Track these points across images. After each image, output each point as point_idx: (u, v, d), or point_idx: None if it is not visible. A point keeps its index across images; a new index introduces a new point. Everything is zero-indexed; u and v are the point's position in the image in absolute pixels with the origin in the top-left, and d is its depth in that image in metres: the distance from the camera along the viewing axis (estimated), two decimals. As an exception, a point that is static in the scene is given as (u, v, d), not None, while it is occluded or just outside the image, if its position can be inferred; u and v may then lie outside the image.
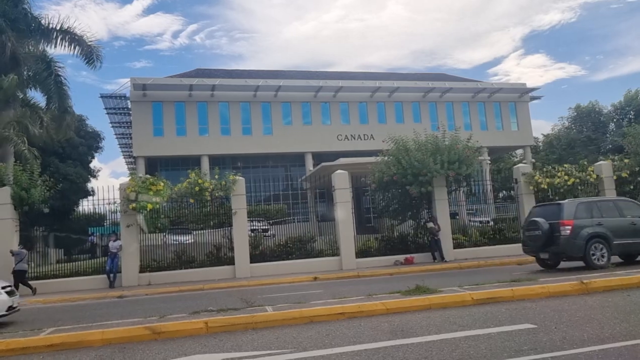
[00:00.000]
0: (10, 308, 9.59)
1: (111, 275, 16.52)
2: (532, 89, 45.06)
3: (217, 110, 38.29)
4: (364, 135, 40.22)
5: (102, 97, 38.04)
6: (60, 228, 22.89)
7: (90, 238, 17.16)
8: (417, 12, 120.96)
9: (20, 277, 15.14)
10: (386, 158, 19.49)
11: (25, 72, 24.36)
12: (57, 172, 28.72)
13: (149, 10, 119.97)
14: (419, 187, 18.19)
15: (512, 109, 44.45)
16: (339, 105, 40.86)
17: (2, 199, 16.35)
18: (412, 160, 18.18)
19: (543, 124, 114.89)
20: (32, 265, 17.90)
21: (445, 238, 18.74)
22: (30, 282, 15.71)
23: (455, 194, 21.56)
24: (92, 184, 38.65)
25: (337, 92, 39.80)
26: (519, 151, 47.65)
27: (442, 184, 19.13)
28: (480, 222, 22.97)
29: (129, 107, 38.48)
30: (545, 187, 19.55)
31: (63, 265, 18.99)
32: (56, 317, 10.19)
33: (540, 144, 56.21)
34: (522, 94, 44.22)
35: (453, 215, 20.69)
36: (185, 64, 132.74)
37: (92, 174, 41.70)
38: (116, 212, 18.40)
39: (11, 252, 15.57)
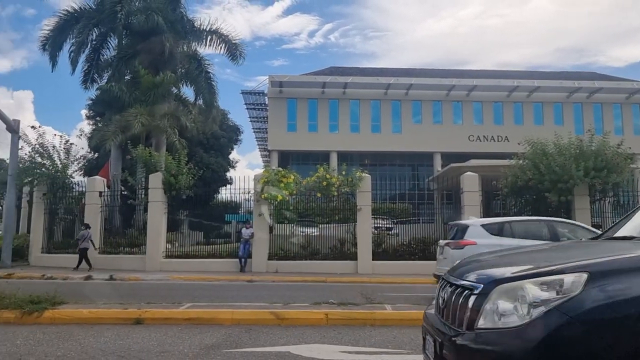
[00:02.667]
0: None
1: (242, 260, 17.64)
2: (703, 90, 39.39)
3: (348, 108, 39.00)
4: (498, 136, 38.28)
5: (242, 93, 40.75)
6: (201, 213, 24.94)
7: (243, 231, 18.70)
8: (565, 5, 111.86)
9: (82, 254, 17.49)
10: (521, 161, 18.35)
11: (179, 70, 26.95)
12: (200, 162, 31.16)
13: (288, 11, 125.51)
14: (558, 194, 16.87)
15: (676, 113, 39.32)
16: (472, 105, 39.33)
17: (155, 184, 18.33)
18: (552, 165, 16.89)
19: None
20: (176, 245, 19.83)
21: (585, 252, 17.18)
22: (170, 259, 17.64)
23: (599, 204, 19.65)
24: (231, 173, 41.35)
25: (470, 91, 38.34)
26: (682, 160, 41.94)
27: (585, 193, 17.55)
28: (629, 237, 20.64)
29: (266, 103, 40.72)
30: None
31: (202, 247, 20.74)
32: (194, 293, 11.18)
33: None
34: (689, 96, 38.92)
35: (596, 227, 18.84)
36: (320, 63, 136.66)
37: (231, 164, 44.64)
38: (250, 201, 19.65)
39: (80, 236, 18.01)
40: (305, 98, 38.89)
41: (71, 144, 21.29)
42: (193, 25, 26.78)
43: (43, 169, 20.19)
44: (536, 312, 2.44)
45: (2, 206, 36.31)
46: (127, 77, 25.95)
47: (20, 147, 20.04)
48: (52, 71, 26.05)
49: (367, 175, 18.49)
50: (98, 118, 33.21)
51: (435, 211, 25.46)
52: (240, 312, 7.60)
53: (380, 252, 18.10)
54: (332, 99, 38.91)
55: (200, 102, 26.96)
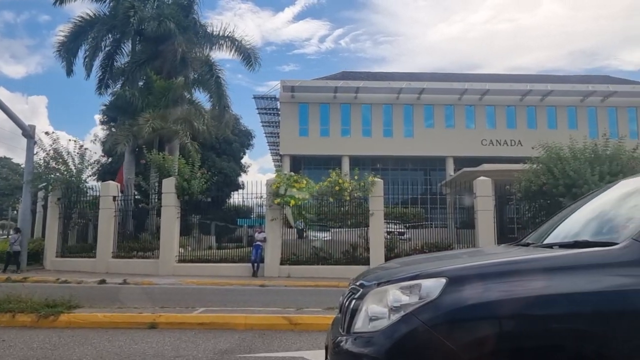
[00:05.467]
0: None
1: (255, 264, 17.65)
2: None
3: (360, 112, 39.02)
4: (511, 140, 38.05)
5: (254, 98, 40.98)
6: (213, 217, 25.04)
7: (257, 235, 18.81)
8: (577, 9, 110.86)
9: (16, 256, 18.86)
10: (535, 166, 18.20)
11: (191, 75, 27.12)
12: (213, 166, 31.28)
13: (298, 17, 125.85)
14: (572, 199, 16.69)
15: (693, 116, 38.79)
16: (485, 109, 39.16)
17: (169, 188, 18.41)
18: (567, 170, 16.71)
19: None
20: (189, 249, 19.90)
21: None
22: (183, 264, 17.80)
23: (615, 209, 19.38)
24: (243, 178, 41.45)
25: (483, 95, 38.16)
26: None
27: (600, 198, 17.33)
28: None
29: (278, 107, 40.86)
30: None
31: (214, 251, 20.77)
32: (207, 298, 11.22)
33: None
34: None
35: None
36: (331, 67, 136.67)
37: (243, 169, 44.76)
38: (262, 206, 19.69)
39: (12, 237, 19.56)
40: (317, 103, 38.96)
41: (85, 149, 21.44)
42: (206, 30, 26.92)
43: (57, 174, 20.35)
44: (395, 316, 2.43)
45: (17, 211, 36.72)
46: (141, 83, 26.17)
47: (35, 152, 20.27)
48: (67, 77, 26.39)
49: (379, 179, 18.43)
50: (112, 123, 33.52)
51: (447, 216, 25.36)
52: (253, 317, 7.59)
53: (393, 257, 17.90)
54: (343, 103, 38.94)
55: (215, 106, 27.10)
